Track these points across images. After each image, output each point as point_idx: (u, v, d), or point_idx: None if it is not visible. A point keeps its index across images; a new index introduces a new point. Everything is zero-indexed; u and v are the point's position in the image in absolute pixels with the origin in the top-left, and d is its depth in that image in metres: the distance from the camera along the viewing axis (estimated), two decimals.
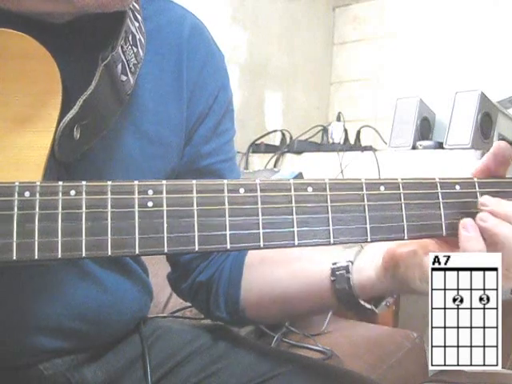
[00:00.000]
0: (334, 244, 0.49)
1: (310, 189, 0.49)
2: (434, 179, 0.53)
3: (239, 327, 0.75)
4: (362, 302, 0.60)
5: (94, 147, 0.55)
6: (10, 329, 0.58)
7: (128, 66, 0.56)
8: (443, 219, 0.52)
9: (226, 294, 0.69)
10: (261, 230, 0.48)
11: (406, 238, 0.51)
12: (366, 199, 0.50)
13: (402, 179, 0.52)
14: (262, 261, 0.68)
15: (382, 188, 0.51)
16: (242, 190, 0.48)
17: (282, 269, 0.66)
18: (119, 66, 0.55)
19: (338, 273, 0.60)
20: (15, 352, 0.59)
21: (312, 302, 0.64)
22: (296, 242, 0.48)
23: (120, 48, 0.55)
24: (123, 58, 0.55)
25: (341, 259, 0.61)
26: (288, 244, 0.48)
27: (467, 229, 0.51)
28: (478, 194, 0.53)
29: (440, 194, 0.52)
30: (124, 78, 0.56)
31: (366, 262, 0.59)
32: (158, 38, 0.65)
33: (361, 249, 0.61)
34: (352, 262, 0.60)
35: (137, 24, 0.59)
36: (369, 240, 0.50)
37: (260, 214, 0.48)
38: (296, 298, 0.65)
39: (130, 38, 0.57)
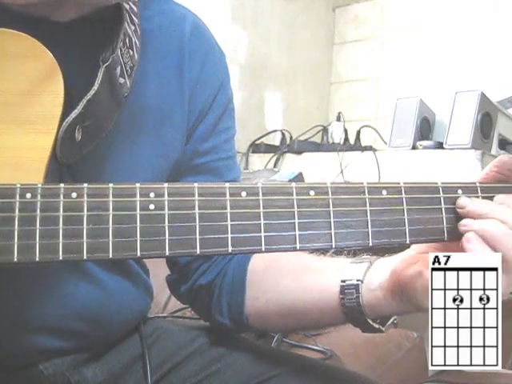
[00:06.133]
0: (335, 248, 0.49)
1: (312, 192, 0.49)
2: (437, 183, 0.53)
3: (240, 333, 0.75)
4: (371, 322, 0.59)
5: (97, 147, 0.55)
6: (9, 329, 0.58)
7: (125, 68, 0.56)
8: (445, 224, 0.52)
9: (228, 301, 0.68)
10: (262, 234, 0.48)
11: (407, 242, 0.51)
12: (368, 203, 0.50)
13: (405, 183, 0.52)
14: (266, 268, 0.67)
15: (384, 192, 0.51)
16: (243, 194, 0.48)
17: (290, 281, 0.65)
18: (118, 69, 0.55)
19: (347, 291, 0.59)
20: (15, 352, 0.59)
21: (319, 316, 0.64)
22: (298, 246, 0.48)
23: (119, 51, 0.55)
24: (121, 60, 0.56)
25: (350, 275, 0.60)
26: (290, 248, 0.48)
27: (469, 240, 0.50)
28: (480, 198, 0.53)
29: (442, 199, 0.52)
30: (122, 80, 0.56)
31: (375, 281, 0.58)
32: (160, 37, 0.65)
33: (369, 265, 0.60)
34: (361, 281, 0.59)
35: (133, 27, 0.59)
36: (370, 244, 0.50)
37: (262, 217, 0.48)
38: (303, 311, 0.64)
39: (127, 40, 0.57)
